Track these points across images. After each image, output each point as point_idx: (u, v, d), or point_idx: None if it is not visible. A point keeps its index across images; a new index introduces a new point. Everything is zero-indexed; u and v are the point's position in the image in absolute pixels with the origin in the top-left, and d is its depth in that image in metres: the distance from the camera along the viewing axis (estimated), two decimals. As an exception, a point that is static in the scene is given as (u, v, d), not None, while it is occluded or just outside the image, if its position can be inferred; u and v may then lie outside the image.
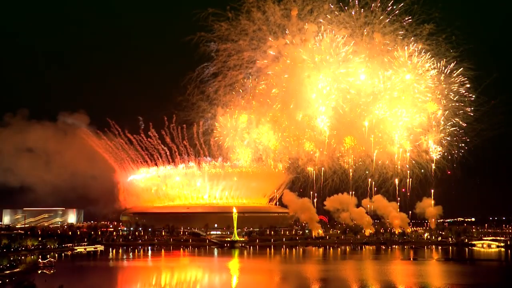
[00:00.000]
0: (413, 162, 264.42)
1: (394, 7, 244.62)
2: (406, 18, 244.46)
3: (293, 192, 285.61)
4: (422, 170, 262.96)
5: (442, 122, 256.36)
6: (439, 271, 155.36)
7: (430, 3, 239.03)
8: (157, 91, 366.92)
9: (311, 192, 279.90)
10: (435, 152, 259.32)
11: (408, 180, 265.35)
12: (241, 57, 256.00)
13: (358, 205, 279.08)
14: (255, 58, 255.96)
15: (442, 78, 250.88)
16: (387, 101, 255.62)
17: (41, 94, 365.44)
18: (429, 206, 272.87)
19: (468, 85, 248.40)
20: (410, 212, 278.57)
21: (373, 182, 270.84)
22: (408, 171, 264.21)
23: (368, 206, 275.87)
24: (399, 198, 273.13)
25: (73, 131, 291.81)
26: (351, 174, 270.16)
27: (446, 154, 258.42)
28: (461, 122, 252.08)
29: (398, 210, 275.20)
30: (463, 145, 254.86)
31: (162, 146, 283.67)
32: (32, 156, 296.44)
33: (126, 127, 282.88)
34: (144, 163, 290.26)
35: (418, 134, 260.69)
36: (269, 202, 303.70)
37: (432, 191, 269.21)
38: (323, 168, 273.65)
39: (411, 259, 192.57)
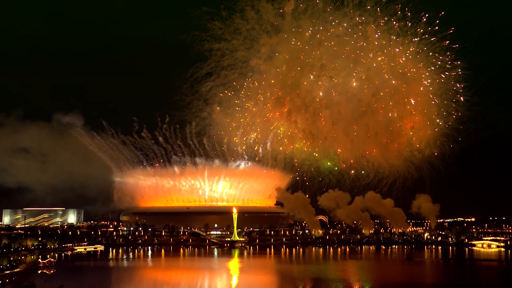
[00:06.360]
0: (408, 161, 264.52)
1: (389, 6, 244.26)
2: (401, 17, 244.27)
3: (287, 190, 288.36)
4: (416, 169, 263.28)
5: (436, 122, 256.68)
6: (439, 271, 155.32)
7: (426, 3, 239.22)
8: (151, 91, 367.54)
9: (307, 192, 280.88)
10: (430, 151, 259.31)
11: (402, 178, 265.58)
12: (235, 57, 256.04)
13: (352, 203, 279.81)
14: (249, 58, 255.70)
15: (436, 77, 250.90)
16: (383, 101, 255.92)
17: (35, 94, 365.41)
18: (424, 203, 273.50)
19: (462, 85, 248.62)
20: (407, 210, 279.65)
21: (368, 180, 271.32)
22: (402, 170, 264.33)
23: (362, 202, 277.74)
24: (394, 198, 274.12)
25: (68, 131, 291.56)
26: (351, 171, 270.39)
27: (440, 153, 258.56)
28: (455, 122, 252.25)
29: (393, 206, 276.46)
30: (456, 144, 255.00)
31: (157, 146, 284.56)
32: (28, 156, 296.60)
33: (120, 127, 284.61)
34: (140, 163, 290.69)
35: (414, 133, 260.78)
36: (268, 200, 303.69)
37: (427, 189, 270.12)
38: (319, 167, 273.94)
39: (411, 259, 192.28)
